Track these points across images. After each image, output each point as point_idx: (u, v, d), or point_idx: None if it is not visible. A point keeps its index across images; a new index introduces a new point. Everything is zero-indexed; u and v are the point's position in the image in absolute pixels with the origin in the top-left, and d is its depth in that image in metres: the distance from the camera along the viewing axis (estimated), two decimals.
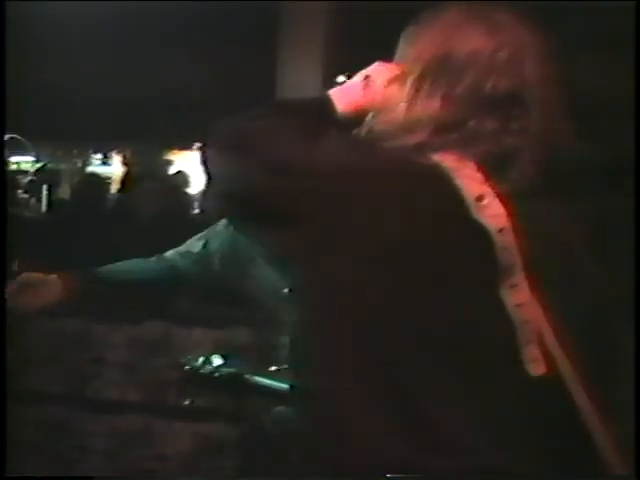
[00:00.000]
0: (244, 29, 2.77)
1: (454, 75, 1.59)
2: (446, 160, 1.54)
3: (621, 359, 1.61)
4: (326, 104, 1.67)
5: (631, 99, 3.66)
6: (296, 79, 5.78)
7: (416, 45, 1.66)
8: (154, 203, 5.02)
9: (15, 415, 2.46)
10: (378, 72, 1.71)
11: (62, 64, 2.96)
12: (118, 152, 9.60)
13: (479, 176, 1.55)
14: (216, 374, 2.22)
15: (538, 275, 1.54)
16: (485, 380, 1.49)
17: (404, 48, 1.68)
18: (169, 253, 2.47)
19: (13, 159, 6.09)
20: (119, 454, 3.59)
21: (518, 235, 1.53)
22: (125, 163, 9.00)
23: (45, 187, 5.64)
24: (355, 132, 1.66)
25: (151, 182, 5.45)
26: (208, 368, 2.22)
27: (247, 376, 2.22)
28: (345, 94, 1.71)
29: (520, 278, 1.53)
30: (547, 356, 1.51)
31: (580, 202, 1.70)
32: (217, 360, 2.23)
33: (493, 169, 1.55)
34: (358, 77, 1.73)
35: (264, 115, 1.61)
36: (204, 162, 1.59)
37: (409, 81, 1.61)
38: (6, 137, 2.97)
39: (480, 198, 1.53)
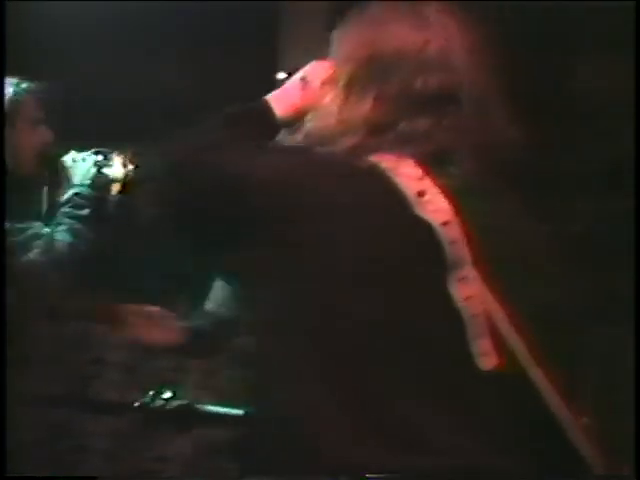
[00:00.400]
0: (244, 29, 2.78)
1: (384, 74, 1.59)
2: (384, 160, 1.56)
3: (579, 347, 1.61)
4: (266, 111, 1.66)
5: (631, 99, 3.67)
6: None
7: (345, 44, 1.67)
8: (155, 204, 5.02)
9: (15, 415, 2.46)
10: (314, 72, 1.71)
11: (62, 64, 2.96)
12: (119, 153, 9.62)
13: (418, 172, 1.56)
14: (167, 407, 2.19)
15: (489, 267, 1.55)
16: (438, 377, 1.49)
17: (335, 48, 1.69)
18: None
19: None
20: (119, 455, 3.59)
21: (465, 228, 1.54)
22: (126, 164, 9.01)
23: (45, 188, 5.65)
24: (293, 138, 1.65)
25: (152, 183, 5.45)
26: (159, 402, 2.20)
27: (198, 406, 2.19)
28: (283, 98, 1.71)
29: (469, 271, 1.54)
30: (500, 348, 1.51)
31: (522, 193, 1.70)
32: (167, 393, 2.20)
33: (432, 165, 1.57)
34: (294, 78, 1.72)
35: (211, 129, 1.60)
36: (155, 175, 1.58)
37: (341, 82, 1.62)
38: None
39: (421, 194, 1.54)
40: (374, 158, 1.57)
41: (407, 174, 1.55)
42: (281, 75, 2.71)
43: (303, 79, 1.73)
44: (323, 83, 1.67)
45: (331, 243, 1.51)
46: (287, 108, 1.69)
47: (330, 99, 1.64)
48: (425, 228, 1.54)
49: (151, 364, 3.83)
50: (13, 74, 3.02)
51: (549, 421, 1.53)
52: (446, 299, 1.53)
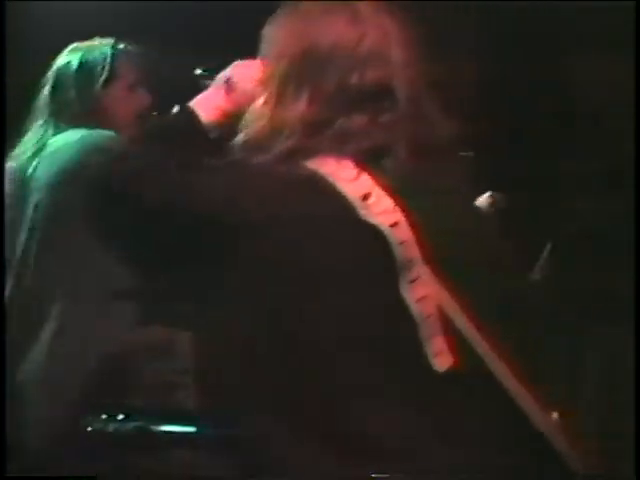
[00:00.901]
0: (244, 29, 2.76)
1: (319, 70, 1.55)
2: (323, 166, 1.52)
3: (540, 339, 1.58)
4: (191, 118, 1.61)
5: (631, 99, 3.67)
6: None
7: (278, 41, 1.62)
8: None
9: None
10: (240, 73, 1.66)
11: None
12: None
13: (360, 175, 1.53)
14: (121, 430, 2.16)
15: (442, 265, 1.52)
16: (393, 379, 1.47)
17: (266, 46, 1.64)
18: None
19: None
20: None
21: (413, 228, 1.52)
22: None
23: None
24: (228, 145, 1.61)
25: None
26: (112, 425, 2.17)
27: (152, 427, 2.16)
28: (208, 102, 1.64)
29: (420, 271, 1.51)
30: (455, 348, 1.50)
31: (465, 187, 1.68)
32: (120, 416, 2.17)
33: (372, 165, 1.53)
34: (218, 81, 1.67)
35: (140, 147, 1.56)
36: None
37: (274, 81, 1.58)
38: None
39: (366, 197, 1.51)
40: (313, 164, 1.53)
41: (348, 178, 1.52)
42: (198, 71, 2.69)
43: (228, 81, 1.67)
44: (255, 83, 1.62)
45: (280, 256, 1.48)
46: (213, 113, 1.63)
47: (263, 100, 1.59)
48: (372, 232, 1.50)
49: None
50: (13, 76, 3.01)
51: (516, 417, 1.51)
52: (398, 302, 1.50)
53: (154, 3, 2.87)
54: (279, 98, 1.56)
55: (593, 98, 4.61)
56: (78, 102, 2.79)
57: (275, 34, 1.64)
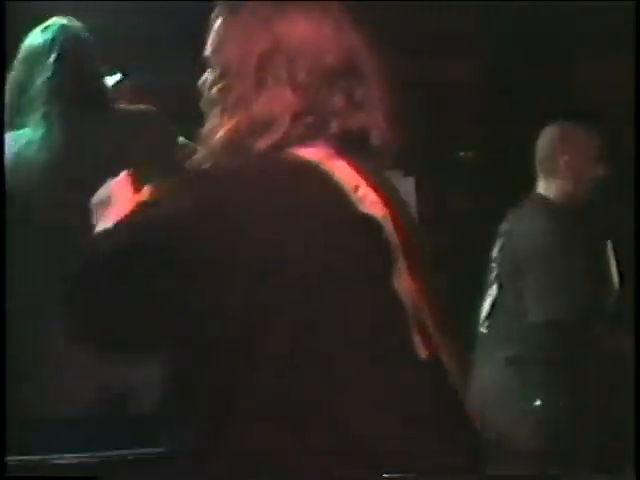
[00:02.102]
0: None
1: (289, 62, 1.57)
2: (316, 155, 1.53)
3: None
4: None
5: (631, 99, 3.67)
6: None
7: (236, 42, 1.62)
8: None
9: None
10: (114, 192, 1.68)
11: None
12: None
13: (349, 167, 1.55)
14: None
15: (414, 260, 1.54)
16: (384, 370, 1.47)
17: (219, 47, 1.64)
18: None
19: None
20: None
21: (394, 219, 1.54)
22: None
23: None
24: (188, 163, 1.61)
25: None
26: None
27: None
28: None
29: (401, 264, 1.53)
30: (429, 341, 1.51)
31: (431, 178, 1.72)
32: None
33: (350, 152, 1.55)
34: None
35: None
36: None
37: (241, 80, 1.58)
38: None
39: (356, 188, 1.53)
40: (308, 155, 1.54)
41: (342, 168, 1.54)
42: (112, 79, 2.66)
43: (102, 203, 1.69)
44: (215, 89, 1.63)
45: (283, 249, 1.47)
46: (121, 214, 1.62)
47: (233, 101, 1.59)
48: (370, 222, 1.52)
49: None
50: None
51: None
52: (393, 293, 1.52)
53: (154, 3, 2.86)
54: (251, 94, 1.57)
55: (593, 98, 4.61)
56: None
57: (230, 34, 1.64)
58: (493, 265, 3.54)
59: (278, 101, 1.56)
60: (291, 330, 1.45)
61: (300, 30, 1.59)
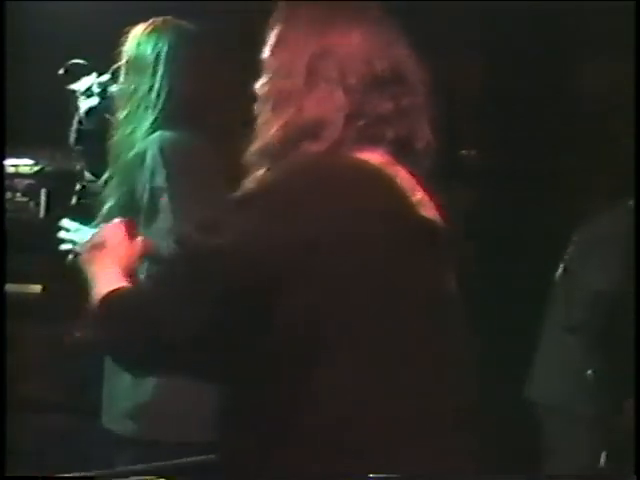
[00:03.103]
0: (245, 29, 2.76)
1: (341, 66, 1.59)
2: (379, 161, 1.56)
3: None
4: None
5: (631, 99, 3.67)
6: None
7: (290, 43, 1.65)
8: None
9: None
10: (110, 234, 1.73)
11: (62, 66, 2.95)
12: None
13: (405, 172, 1.58)
14: None
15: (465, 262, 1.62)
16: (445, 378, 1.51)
17: (272, 53, 1.66)
18: None
19: (11, 162, 6.09)
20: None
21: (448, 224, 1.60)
22: None
23: (44, 191, 5.62)
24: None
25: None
26: None
27: None
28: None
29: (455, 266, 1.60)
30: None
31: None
32: None
33: (401, 158, 1.58)
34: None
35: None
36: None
37: (292, 81, 1.60)
38: (70, 62, 2.89)
39: (415, 193, 1.56)
40: (371, 159, 1.56)
41: (402, 174, 1.57)
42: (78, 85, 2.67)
43: (98, 245, 1.72)
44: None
45: (352, 251, 1.48)
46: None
47: (272, 104, 1.61)
48: (432, 226, 1.56)
49: None
50: (13, 77, 2.99)
51: None
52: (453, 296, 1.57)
53: (154, 3, 2.85)
54: (302, 93, 1.59)
55: (593, 97, 4.61)
56: None
57: (285, 37, 1.66)
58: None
59: (330, 102, 1.57)
60: (354, 335, 1.46)
61: (352, 36, 1.61)
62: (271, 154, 1.57)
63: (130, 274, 1.67)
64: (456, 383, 1.52)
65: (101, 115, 2.82)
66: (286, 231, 1.46)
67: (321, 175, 1.52)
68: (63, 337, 4.78)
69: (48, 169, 4.94)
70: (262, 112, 1.63)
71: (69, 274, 3.18)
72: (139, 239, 1.73)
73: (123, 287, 1.59)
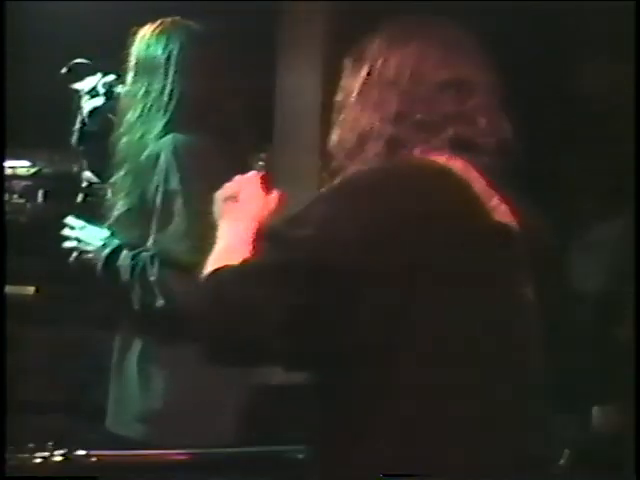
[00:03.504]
0: (244, 29, 2.78)
1: (397, 70, 1.64)
2: (449, 162, 1.58)
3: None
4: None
5: (631, 99, 3.67)
6: (296, 79, 5.77)
7: (377, 49, 1.69)
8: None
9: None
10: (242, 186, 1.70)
11: (62, 67, 2.94)
12: None
13: (477, 173, 1.59)
14: None
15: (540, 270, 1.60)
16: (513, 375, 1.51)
17: (369, 51, 1.70)
18: None
19: (9, 164, 6.08)
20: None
21: (523, 229, 1.59)
22: None
23: (41, 192, 5.61)
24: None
25: None
26: None
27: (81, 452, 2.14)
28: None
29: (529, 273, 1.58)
30: None
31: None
32: None
33: (468, 157, 1.59)
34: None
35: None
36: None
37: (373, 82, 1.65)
38: (73, 62, 2.88)
39: (489, 197, 1.57)
40: (440, 160, 1.57)
41: (473, 175, 1.58)
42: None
43: (231, 197, 1.71)
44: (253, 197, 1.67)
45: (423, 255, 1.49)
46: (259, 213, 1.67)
47: (356, 98, 1.65)
48: (507, 231, 1.57)
49: None
50: (12, 78, 2.98)
51: None
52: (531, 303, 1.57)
53: (154, 3, 2.85)
54: (355, 109, 1.63)
55: (592, 98, 4.60)
56: None
57: (379, 44, 1.70)
58: None
59: (380, 106, 1.61)
60: (433, 333, 1.47)
61: (415, 43, 1.66)
62: (347, 155, 1.61)
63: (261, 229, 1.64)
64: (526, 387, 1.53)
65: (105, 116, 2.82)
66: (366, 226, 1.47)
67: (400, 176, 1.54)
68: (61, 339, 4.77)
69: (46, 170, 4.94)
70: (339, 118, 1.66)
71: (63, 276, 3.16)
72: (274, 193, 1.70)
73: (229, 266, 1.55)
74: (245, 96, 2.79)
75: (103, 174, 2.80)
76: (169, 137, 2.59)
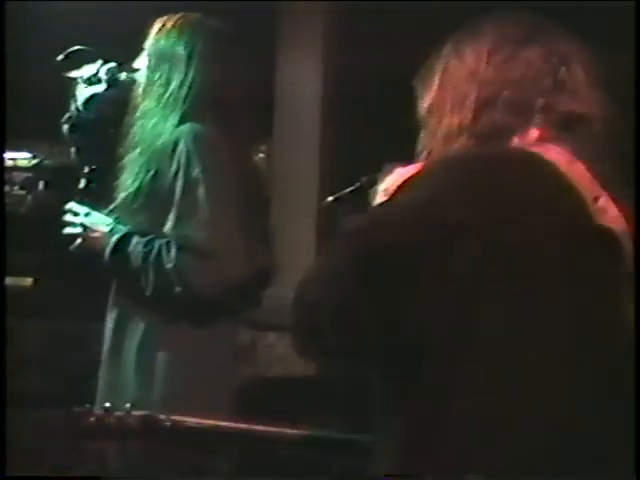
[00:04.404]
0: (244, 29, 2.77)
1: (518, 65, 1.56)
2: (548, 152, 1.48)
3: None
4: None
5: (631, 99, 3.66)
6: (296, 79, 5.77)
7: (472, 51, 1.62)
8: None
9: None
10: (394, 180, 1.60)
11: (60, 62, 2.94)
12: None
13: (584, 169, 1.48)
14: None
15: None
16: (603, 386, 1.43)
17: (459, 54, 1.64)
18: None
19: (9, 155, 6.08)
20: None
21: (635, 237, 1.45)
22: None
23: (41, 184, 5.62)
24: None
25: None
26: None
27: (162, 416, 2.09)
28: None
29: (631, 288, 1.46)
30: None
31: None
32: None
33: (583, 154, 1.49)
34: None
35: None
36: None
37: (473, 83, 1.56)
38: (72, 48, 2.90)
39: (596, 199, 1.45)
40: (547, 154, 1.48)
41: (581, 173, 1.47)
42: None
43: (385, 191, 1.62)
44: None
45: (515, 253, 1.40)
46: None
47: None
48: (609, 237, 1.44)
49: None
50: (11, 72, 2.98)
51: None
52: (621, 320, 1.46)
53: (154, 3, 2.85)
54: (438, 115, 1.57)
55: None
56: None
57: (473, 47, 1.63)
58: None
59: (466, 97, 1.53)
60: (507, 332, 1.40)
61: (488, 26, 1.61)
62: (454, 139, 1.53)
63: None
64: (611, 391, 1.44)
65: (103, 103, 2.83)
66: (455, 213, 1.40)
67: (494, 165, 1.45)
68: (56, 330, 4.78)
69: (46, 162, 4.93)
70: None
71: (61, 268, 3.17)
72: None
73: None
74: (252, 89, 2.84)
75: (94, 163, 2.82)
76: (187, 126, 2.64)
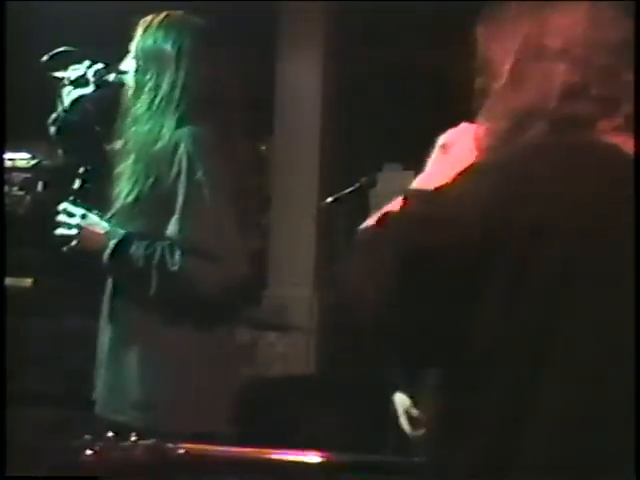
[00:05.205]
0: (244, 29, 2.77)
1: (564, 39, 1.44)
2: (627, 143, 1.41)
3: None
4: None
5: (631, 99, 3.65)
6: (296, 79, 5.78)
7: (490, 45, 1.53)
8: None
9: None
10: (453, 137, 1.56)
11: (59, 58, 2.94)
12: None
13: None
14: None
15: None
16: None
17: (494, 39, 1.54)
18: None
19: (8, 156, 6.07)
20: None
21: None
22: None
23: (40, 184, 5.61)
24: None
25: None
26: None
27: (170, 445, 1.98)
28: (430, 176, 1.54)
29: None
30: None
31: None
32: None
33: None
34: (436, 149, 1.58)
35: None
36: None
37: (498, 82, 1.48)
38: (57, 50, 2.86)
39: None
40: (612, 139, 1.40)
41: None
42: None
43: (444, 146, 1.56)
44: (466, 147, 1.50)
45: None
46: (438, 181, 1.45)
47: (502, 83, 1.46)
48: None
49: None
50: (11, 72, 2.97)
51: None
52: None
53: (154, 3, 2.85)
54: (508, 93, 1.46)
55: None
56: None
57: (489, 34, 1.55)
58: None
59: (545, 82, 1.42)
60: (583, 340, 1.34)
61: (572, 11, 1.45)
62: (502, 140, 1.45)
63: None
64: None
65: (91, 105, 2.81)
66: (517, 207, 1.34)
67: (579, 158, 1.38)
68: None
69: (45, 163, 4.93)
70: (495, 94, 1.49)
71: (61, 268, 3.16)
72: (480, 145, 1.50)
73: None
74: (249, 88, 2.82)
75: (82, 164, 2.81)
76: (186, 129, 2.62)
